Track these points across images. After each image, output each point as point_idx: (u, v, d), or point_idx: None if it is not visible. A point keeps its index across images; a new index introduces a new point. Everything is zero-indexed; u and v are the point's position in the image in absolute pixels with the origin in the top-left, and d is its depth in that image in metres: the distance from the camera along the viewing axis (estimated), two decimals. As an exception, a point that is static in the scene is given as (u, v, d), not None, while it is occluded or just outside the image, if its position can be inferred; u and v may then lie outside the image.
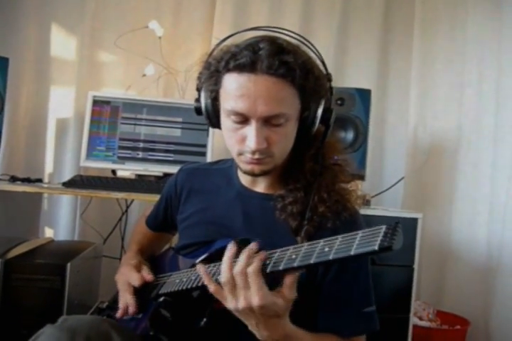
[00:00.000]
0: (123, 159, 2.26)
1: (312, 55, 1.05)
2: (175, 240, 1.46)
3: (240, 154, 1.05)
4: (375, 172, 2.66)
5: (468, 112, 2.63)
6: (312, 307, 1.07)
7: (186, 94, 2.53)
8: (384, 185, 2.65)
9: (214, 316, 0.98)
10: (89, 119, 2.25)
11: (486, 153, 2.54)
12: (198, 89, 1.11)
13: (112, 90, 2.59)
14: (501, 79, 2.47)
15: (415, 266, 2.04)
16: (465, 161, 2.63)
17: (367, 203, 2.16)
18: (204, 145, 2.27)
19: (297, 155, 1.11)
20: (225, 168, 1.27)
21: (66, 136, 2.57)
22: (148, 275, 1.22)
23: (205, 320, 1.01)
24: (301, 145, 1.10)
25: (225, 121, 1.05)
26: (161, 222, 1.41)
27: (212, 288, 0.92)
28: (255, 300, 0.85)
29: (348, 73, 2.79)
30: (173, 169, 2.19)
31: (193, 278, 1.03)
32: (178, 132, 2.26)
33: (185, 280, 1.06)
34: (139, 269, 1.25)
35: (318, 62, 1.05)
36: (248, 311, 0.88)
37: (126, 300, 1.18)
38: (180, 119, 2.26)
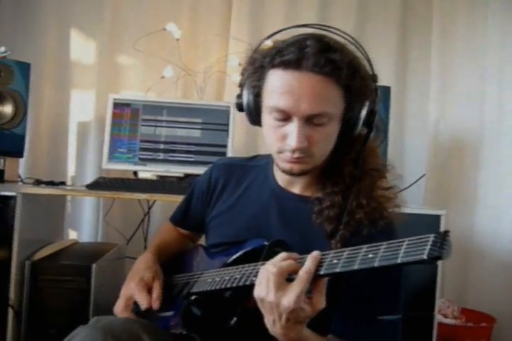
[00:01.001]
0: (144, 161, 2.27)
1: (359, 55, 1.03)
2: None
3: (280, 152, 1.03)
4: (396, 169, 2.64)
5: (490, 107, 2.59)
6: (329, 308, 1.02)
7: (205, 95, 2.55)
8: (405, 182, 2.62)
9: (245, 315, 0.98)
10: (110, 122, 2.27)
11: (510, 148, 2.51)
12: (241, 85, 1.10)
13: (132, 93, 2.62)
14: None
15: (439, 263, 2.02)
16: (488, 157, 2.59)
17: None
18: (224, 146, 2.27)
19: (337, 157, 1.09)
20: (262, 165, 1.25)
21: (87, 139, 2.62)
22: (156, 301, 1.16)
23: (235, 319, 1.01)
24: (342, 147, 1.08)
25: (267, 118, 1.04)
26: (192, 218, 1.38)
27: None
28: (287, 301, 0.83)
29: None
30: (194, 170, 2.23)
31: (227, 278, 1.02)
32: (197, 133, 2.28)
33: (218, 279, 1.05)
34: (150, 285, 1.19)
35: (365, 62, 1.03)
36: (274, 306, 0.85)
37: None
38: (199, 120, 2.27)
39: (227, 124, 2.27)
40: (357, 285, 1.01)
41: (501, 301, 2.45)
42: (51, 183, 2.10)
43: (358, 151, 1.06)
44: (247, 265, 1.00)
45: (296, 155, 1.00)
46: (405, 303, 2.01)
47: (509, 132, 2.51)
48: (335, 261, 0.84)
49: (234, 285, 0.98)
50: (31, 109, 2.27)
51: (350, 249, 0.84)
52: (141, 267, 1.25)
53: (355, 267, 0.80)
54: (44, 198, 2.08)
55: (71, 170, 2.65)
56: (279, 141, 1.02)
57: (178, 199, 1.80)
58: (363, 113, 1.01)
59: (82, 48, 2.64)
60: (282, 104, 0.97)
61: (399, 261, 0.75)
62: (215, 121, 2.27)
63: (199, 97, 2.55)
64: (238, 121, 2.27)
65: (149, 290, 1.18)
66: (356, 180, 1.05)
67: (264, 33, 2.70)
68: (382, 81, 2.40)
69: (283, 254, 0.90)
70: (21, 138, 2.15)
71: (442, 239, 0.74)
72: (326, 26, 1.06)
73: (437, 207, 2.35)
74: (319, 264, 0.85)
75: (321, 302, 0.86)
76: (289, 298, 0.83)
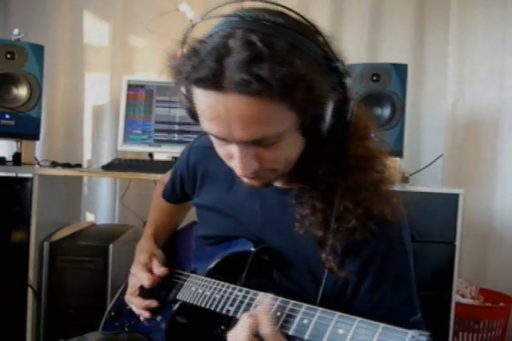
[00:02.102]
0: (159, 142, 2.27)
1: (301, 40, 0.78)
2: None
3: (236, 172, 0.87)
4: (412, 149, 2.61)
5: (509, 86, 2.55)
6: None
7: (220, 76, 2.52)
8: (422, 163, 2.60)
9: (232, 323, 0.90)
10: (124, 104, 2.27)
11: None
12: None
13: (146, 74, 2.61)
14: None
15: (457, 243, 2.01)
16: (507, 137, 2.55)
17: (405, 180, 2.13)
18: (239, 126, 2.26)
19: (311, 152, 0.88)
20: None
21: (102, 121, 2.62)
22: (158, 269, 1.14)
23: (222, 327, 0.97)
24: (316, 142, 0.87)
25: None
26: (180, 195, 1.29)
27: None
28: None
29: (383, 48, 2.73)
30: (209, 151, 2.22)
31: (208, 293, 0.99)
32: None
33: (200, 292, 1.02)
34: (149, 266, 1.17)
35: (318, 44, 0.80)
36: None
37: (138, 305, 1.14)
38: (214, 101, 2.26)
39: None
40: (371, 294, 0.92)
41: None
42: (67, 165, 2.11)
43: (337, 143, 0.87)
44: (228, 286, 0.96)
45: (251, 176, 0.86)
46: (423, 283, 2.02)
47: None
48: (305, 322, 0.76)
49: (212, 308, 0.95)
50: (46, 92, 2.28)
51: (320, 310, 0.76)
52: (137, 254, 1.24)
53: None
54: (60, 180, 2.09)
55: (87, 153, 2.66)
56: (227, 159, 0.87)
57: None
58: (326, 112, 0.80)
59: (95, 30, 2.64)
60: (213, 131, 0.79)
61: None
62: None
63: (213, 78, 2.53)
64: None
65: (150, 271, 1.16)
66: (338, 178, 0.88)
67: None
68: (399, 59, 2.40)
69: (247, 318, 0.79)
70: (37, 121, 2.15)
71: None
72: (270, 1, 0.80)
73: (457, 187, 2.31)
74: (286, 320, 0.78)
75: None
76: None
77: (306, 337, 0.74)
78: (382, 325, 0.68)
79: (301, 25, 0.79)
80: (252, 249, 0.97)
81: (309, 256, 0.93)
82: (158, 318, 1.12)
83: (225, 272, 1.02)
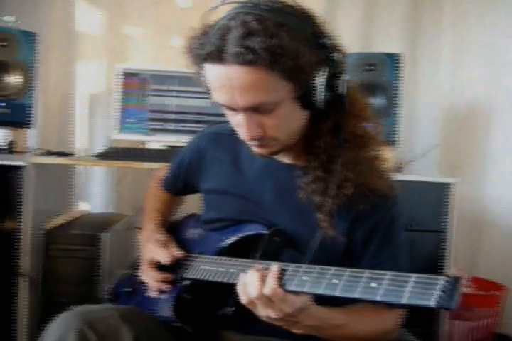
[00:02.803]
0: (154, 131, 2.26)
1: (295, 23, 0.90)
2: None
3: (244, 138, 0.99)
4: (407, 139, 2.61)
5: (503, 76, 2.55)
6: None
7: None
8: (416, 152, 2.60)
9: (241, 305, 0.93)
10: (119, 92, 2.26)
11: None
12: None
13: (140, 63, 2.59)
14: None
15: (448, 232, 2.02)
16: (500, 127, 2.56)
17: (399, 170, 2.14)
18: (234, 115, 2.25)
19: (315, 128, 1.02)
20: None
21: (96, 110, 2.61)
22: (177, 252, 1.17)
23: (233, 309, 0.99)
24: (316, 117, 1.00)
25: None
26: (182, 186, 1.35)
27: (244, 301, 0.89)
28: (287, 309, 0.85)
29: (377, 37, 2.72)
30: (204, 139, 2.21)
31: (221, 269, 0.99)
32: (208, 102, 2.25)
33: (213, 269, 1.03)
34: (167, 246, 1.20)
35: (308, 28, 0.91)
36: (280, 321, 0.88)
37: (156, 278, 1.16)
38: (209, 90, 2.24)
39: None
40: (376, 252, 1.05)
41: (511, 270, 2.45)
42: (61, 154, 2.10)
43: (337, 119, 0.99)
44: (243, 260, 0.98)
45: (256, 143, 0.98)
46: (415, 272, 2.03)
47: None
48: (335, 281, 0.80)
49: (231, 281, 0.96)
50: (38, 81, 2.25)
51: (351, 270, 0.80)
52: (152, 235, 1.26)
53: (357, 295, 0.76)
54: (53, 168, 2.08)
55: (80, 142, 2.65)
56: (237, 128, 0.99)
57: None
58: (318, 83, 0.91)
59: (88, 18, 2.60)
60: (220, 99, 0.93)
61: (404, 301, 0.70)
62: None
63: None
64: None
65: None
66: (337, 150, 0.99)
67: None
68: (393, 49, 2.39)
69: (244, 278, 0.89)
70: (29, 109, 2.12)
71: (453, 287, 0.67)
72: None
73: (450, 176, 2.33)
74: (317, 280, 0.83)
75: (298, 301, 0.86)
76: (284, 307, 0.85)
77: (338, 293, 0.78)
78: (413, 278, 0.73)
79: (294, 9, 0.92)
80: (265, 232, 1.02)
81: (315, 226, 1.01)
82: (166, 296, 1.12)
83: (235, 254, 1.03)
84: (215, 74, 0.90)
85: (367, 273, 0.77)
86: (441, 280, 0.69)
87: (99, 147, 2.50)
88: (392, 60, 2.19)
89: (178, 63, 2.45)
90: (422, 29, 2.75)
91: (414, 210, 1.95)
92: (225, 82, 0.89)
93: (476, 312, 2.24)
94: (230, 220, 1.13)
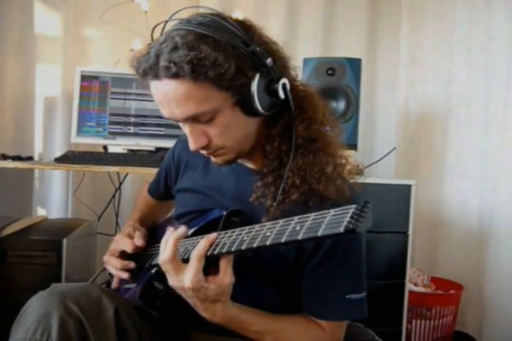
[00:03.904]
0: (114, 134, 2.24)
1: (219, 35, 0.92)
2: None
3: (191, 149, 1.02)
4: (366, 142, 2.66)
5: (458, 81, 2.62)
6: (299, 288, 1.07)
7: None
8: (375, 155, 2.65)
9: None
10: (78, 95, 2.22)
11: (477, 121, 2.55)
12: None
13: (100, 66, 2.55)
14: (490, 45, 2.47)
15: (410, 233, 2.06)
16: (456, 130, 2.63)
17: (359, 173, 2.17)
18: (195, 119, 2.24)
19: (267, 133, 1.04)
20: None
21: (54, 113, 2.55)
22: (139, 240, 1.21)
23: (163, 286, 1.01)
24: (269, 121, 1.03)
25: None
26: (162, 191, 1.41)
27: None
28: (186, 283, 0.89)
29: (338, 43, 2.78)
30: (166, 143, 2.19)
31: (181, 250, 1.00)
32: (168, 106, 2.24)
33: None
34: (132, 236, 1.24)
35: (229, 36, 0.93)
36: (182, 290, 0.92)
37: (115, 265, 1.18)
38: (170, 93, 2.23)
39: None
40: (317, 267, 1.03)
41: (469, 270, 2.52)
42: (18, 158, 2.05)
43: (287, 122, 1.01)
44: (194, 238, 1.00)
45: (205, 152, 1.02)
46: (377, 272, 2.06)
47: (477, 106, 2.55)
48: (245, 238, 0.84)
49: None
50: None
51: (283, 220, 0.82)
52: (123, 229, 1.33)
53: (282, 240, 0.78)
54: (10, 173, 2.03)
55: (38, 146, 2.59)
56: (188, 138, 1.02)
57: (151, 171, 1.78)
58: (252, 89, 0.94)
59: (46, 20, 2.55)
60: (163, 113, 0.98)
61: (319, 234, 0.72)
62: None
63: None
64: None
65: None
66: (289, 155, 1.00)
67: (234, 4, 2.67)
68: (353, 53, 2.43)
69: (171, 237, 0.95)
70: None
71: (361, 211, 0.71)
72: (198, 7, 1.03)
73: (407, 178, 2.37)
74: (234, 241, 0.87)
75: (226, 278, 0.90)
76: (187, 278, 0.89)
77: (256, 244, 0.82)
78: (332, 212, 0.75)
79: (226, 20, 0.94)
80: (224, 213, 1.03)
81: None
82: (134, 285, 1.14)
83: None
84: (153, 89, 0.95)
85: (296, 219, 0.80)
86: (351, 208, 0.72)
87: (58, 151, 2.45)
88: (352, 64, 2.23)
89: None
90: (381, 35, 2.83)
91: (375, 212, 1.97)
92: (161, 96, 0.94)
93: (436, 312, 2.29)
94: (195, 212, 1.17)
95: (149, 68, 0.92)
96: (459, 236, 2.55)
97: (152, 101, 2.15)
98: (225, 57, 0.90)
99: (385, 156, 2.56)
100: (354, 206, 0.72)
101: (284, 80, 0.98)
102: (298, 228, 0.77)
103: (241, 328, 0.99)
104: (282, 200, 1.00)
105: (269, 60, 0.94)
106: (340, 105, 2.22)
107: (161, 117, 2.21)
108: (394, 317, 2.06)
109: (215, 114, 0.94)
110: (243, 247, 0.82)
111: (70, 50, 2.54)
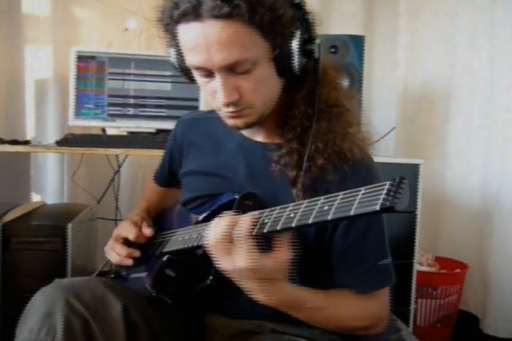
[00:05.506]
0: (113, 116, 2.17)
1: None
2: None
3: (219, 109, 0.97)
4: (366, 121, 2.63)
5: (459, 59, 2.59)
6: (327, 264, 1.03)
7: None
8: (375, 135, 2.62)
9: (220, 274, 0.91)
10: (74, 76, 2.14)
11: (478, 101, 2.53)
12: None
13: (96, 45, 2.46)
14: (494, 23, 2.43)
15: (418, 212, 2.04)
16: (457, 109, 2.61)
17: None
18: (196, 99, 2.19)
19: (289, 98, 1.00)
20: None
21: (47, 96, 2.47)
22: (147, 229, 1.18)
23: (211, 278, 0.96)
24: (290, 86, 1.00)
25: (195, 76, 0.97)
26: (167, 176, 1.37)
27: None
28: (241, 263, 0.81)
29: (336, 21, 2.72)
30: (166, 125, 2.14)
31: (195, 235, 0.98)
32: (168, 86, 2.18)
33: (187, 238, 1.02)
34: (138, 225, 1.20)
35: None
36: (236, 273, 0.84)
37: (120, 252, 1.15)
38: (169, 73, 2.17)
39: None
40: (343, 239, 1.00)
41: (472, 249, 2.52)
42: (15, 142, 1.98)
43: (311, 87, 0.98)
44: (205, 223, 0.96)
45: (231, 109, 0.94)
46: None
47: (479, 85, 2.52)
48: (292, 215, 0.77)
49: (200, 243, 0.93)
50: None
51: (308, 200, 0.77)
52: (129, 217, 1.28)
53: (310, 221, 0.73)
54: (6, 157, 1.96)
55: (31, 130, 2.50)
56: (212, 98, 0.95)
57: (154, 153, 1.74)
58: (293, 45, 0.90)
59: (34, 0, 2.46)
60: (195, 60, 0.90)
61: (351, 213, 0.68)
62: (186, 73, 2.17)
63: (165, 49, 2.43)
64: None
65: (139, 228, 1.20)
66: (312, 120, 0.97)
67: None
68: (352, 31, 2.39)
69: (217, 219, 0.85)
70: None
71: (397, 187, 0.66)
72: None
73: (408, 157, 2.36)
74: (278, 219, 0.80)
75: (282, 254, 0.82)
76: (241, 258, 0.81)
77: (294, 224, 0.76)
78: (363, 190, 0.70)
79: None
80: (237, 196, 0.98)
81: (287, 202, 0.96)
82: (145, 275, 1.11)
83: None
84: (190, 33, 0.87)
85: (322, 199, 0.75)
86: (386, 185, 0.67)
87: (53, 136, 2.38)
88: (355, 42, 2.18)
89: (134, 47, 2.37)
90: (380, 13, 2.77)
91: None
92: (200, 40, 0.86)
93: (441, 291, 2.29)
94: (204, 197, 1.13)
95: (192, 8, 0.84)
96: (462, 214, 2.55)
97: (152, 81, 2.12)
98: (281, 2, 0.86)
99: (384, 136, 2.53)
100: (389, 182, 0.68)
101: (319, 41, 0.94)
102: (326, 208, 0.72)
103: (295, 307, 0.92)
104: (309, 168, 0.96)
105: (311, 17, 0.91)
106: (344, 83, 2.17)
107: (160, 98, 2.17)
108: (402, 297, 2.05)
109: (254, 65, 0.89)
110: (309, 221, 0.74)
111: (60, 30, 2.45)
